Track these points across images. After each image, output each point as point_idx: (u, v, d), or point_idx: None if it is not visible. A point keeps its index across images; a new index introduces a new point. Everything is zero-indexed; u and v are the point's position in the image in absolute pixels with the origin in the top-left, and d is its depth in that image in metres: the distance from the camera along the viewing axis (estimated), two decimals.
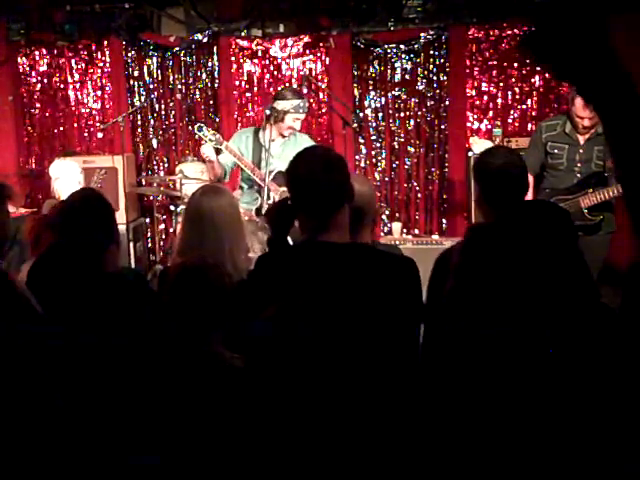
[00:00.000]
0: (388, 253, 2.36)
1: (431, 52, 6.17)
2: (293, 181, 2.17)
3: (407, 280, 2.19)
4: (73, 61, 6.48)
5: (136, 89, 6.48)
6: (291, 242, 2.39)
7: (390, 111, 6.32)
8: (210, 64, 6.40)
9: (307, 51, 6.30)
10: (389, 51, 6.20)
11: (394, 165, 6.39)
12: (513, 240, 1.83)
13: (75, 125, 6.57)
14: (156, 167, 6.59)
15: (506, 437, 1.67)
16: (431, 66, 6.20)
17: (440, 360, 1.91)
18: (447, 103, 6.20)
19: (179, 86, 6.44)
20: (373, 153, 6.38)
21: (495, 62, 6.12)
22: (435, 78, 6.21)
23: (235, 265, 2.71)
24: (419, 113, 6.28)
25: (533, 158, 4.32)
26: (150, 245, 6.53)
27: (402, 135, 6.33)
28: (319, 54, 6.29)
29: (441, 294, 2.04)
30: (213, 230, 2.71)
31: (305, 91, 6.30)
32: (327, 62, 6.27)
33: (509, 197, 2.67)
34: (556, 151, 4.29)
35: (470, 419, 1.73)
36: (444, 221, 6.37)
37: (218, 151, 4.63)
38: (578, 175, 4.24)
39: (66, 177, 4.87)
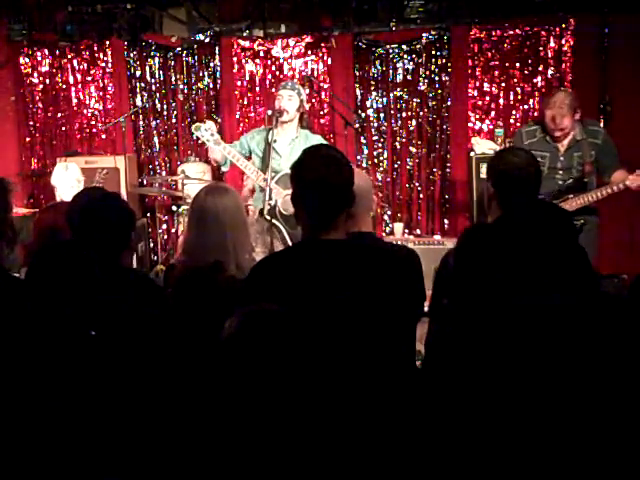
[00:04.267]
0: (387, 249, 2.35)
1: (433, 52, 6.17)
2: (300, 181, 2.16)
3: (407, 273, 2.19)
4: (75, 62, 6.49)
5: (138, 89, 6.49)
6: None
7: (392, 111, 6.32)
8: (212, 64, 6.41)
9: (309, 51, 6.31)
10: (391, 51, 6.21)
11: (396, 165, 6.39)
12: (512, 237, 1.84)
13: (77, 125, 6.58)
14: (158, 167, 6.59)
15: (511, 431, 1.67)
16: (433, 66, 6.20)
17: (444, 355, 1.92)
18: (449, 103, 6.21)
19: (181, 86, 6.44)
20: (375, 153, 6.38)
21: (497, 62, 6.12)
22: (437, 78, 6.21)
23: (239, 264, 2.71)
24: (421, 113, 6.28)
25: None
26: (152, 245, 6.53)
27: (404, 135, 6.33)
28: (321, 54, 6.30)
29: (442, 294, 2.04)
30: (217, 229, 2.70)
31: (307, 91, 6.31)
32: (329, 62, 6.28)
33: (526, 196, 2.68)
34: (539, 159, 4.29)
35: (473, 415, 1.73)
36: (446, 221, 6.36)
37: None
38: (560, 182, 4.25)
39: (69, 185, 4.90)
